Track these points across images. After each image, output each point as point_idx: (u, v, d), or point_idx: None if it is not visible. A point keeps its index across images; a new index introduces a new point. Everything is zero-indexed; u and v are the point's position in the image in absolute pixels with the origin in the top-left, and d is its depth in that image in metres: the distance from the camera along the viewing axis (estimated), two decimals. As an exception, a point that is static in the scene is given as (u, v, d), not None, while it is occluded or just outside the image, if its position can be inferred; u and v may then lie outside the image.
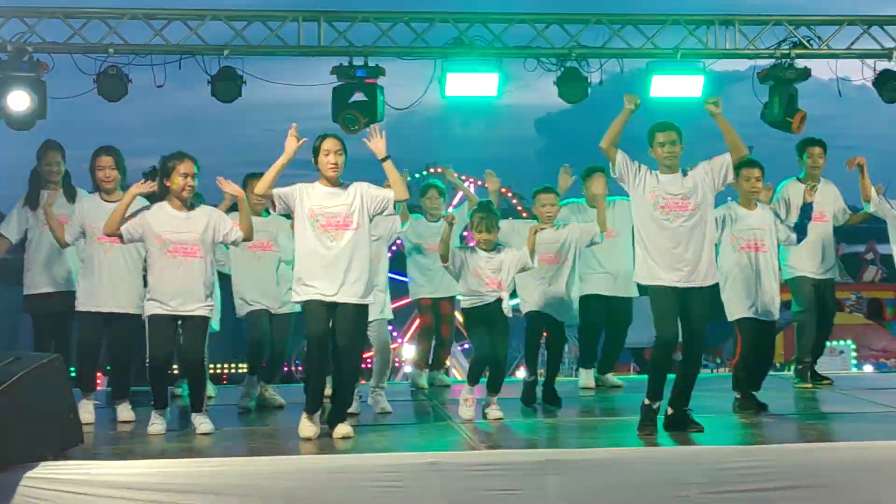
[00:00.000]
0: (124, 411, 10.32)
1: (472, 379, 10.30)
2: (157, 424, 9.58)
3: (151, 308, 9.49)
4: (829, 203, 11.86)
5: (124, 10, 14.89)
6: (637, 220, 9.62)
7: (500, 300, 10.11)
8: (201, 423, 9.61)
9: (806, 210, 10.70)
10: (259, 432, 9.98)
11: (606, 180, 11.19)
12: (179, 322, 9.55)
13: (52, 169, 10.89)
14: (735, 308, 10.49)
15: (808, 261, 11.76)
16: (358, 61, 15.00)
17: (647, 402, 9.38)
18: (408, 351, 26.20)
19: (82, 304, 10.19)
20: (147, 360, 9.69)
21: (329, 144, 9.33)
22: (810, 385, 11.86)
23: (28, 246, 10.86)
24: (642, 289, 10.11)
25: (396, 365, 25.25)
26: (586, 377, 11.98)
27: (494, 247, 10.27)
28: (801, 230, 10.65)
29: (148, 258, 9.69)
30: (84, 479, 8.06)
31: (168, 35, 14.84)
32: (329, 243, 9.18)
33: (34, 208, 10.86)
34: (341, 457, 8.60)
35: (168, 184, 9.54)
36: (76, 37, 14.64)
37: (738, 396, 10.47)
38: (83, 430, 8.74)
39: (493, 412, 10.09)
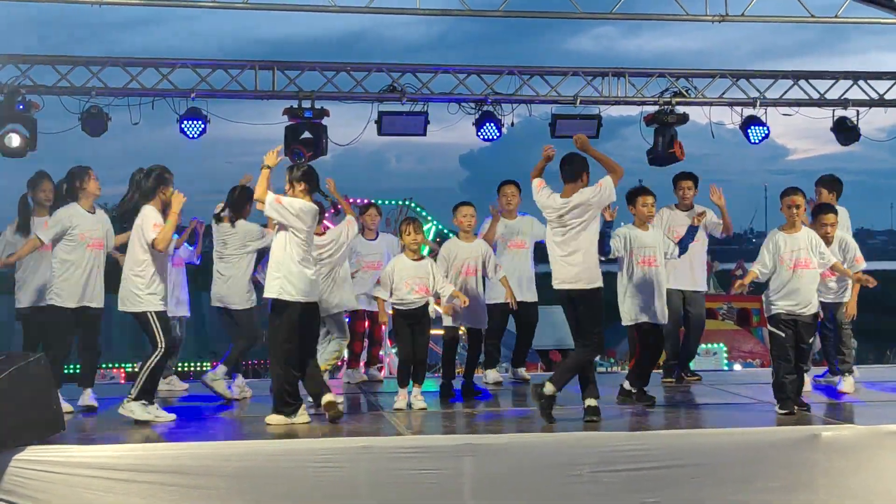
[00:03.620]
0: (90, 398, 10.08)
1: (402, 381, 10.14)
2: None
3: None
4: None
5: (105, 58, 14.87)
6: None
7: (426, 304, 10.00)
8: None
9: (691, 231, 10.80)
10: (217, 420, 9.88)
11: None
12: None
13: (48, 195, 10.56)
14: (633, 314, 10.42)
15: (679, 277, 11.71)
16: (306, 104, 15.03)
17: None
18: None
19: (66, 300, 9.75)
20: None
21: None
22: (672, 380, 11.84)
23: (18, 266, 10.56)
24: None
25: (339, 364, 25.04)
26: (493, 375, 11.85)
27: (421, 254, 10.12)
28: (684, 246, 10.72)
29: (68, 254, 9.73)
30: (64, 460, 7.99)
31: (143, 80, 14.81)
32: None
33: (26, 234, 10.45)
34: (284, 441, 8.54)
35: (85, 187, 9.73)
36: (63, 81, 14.58)
37: (635, 391, 10.44)
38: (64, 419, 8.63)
39: (418, 402, 10.01)
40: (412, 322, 10.02)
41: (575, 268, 9.42)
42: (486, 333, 11.27)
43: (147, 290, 9.22)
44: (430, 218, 18.29)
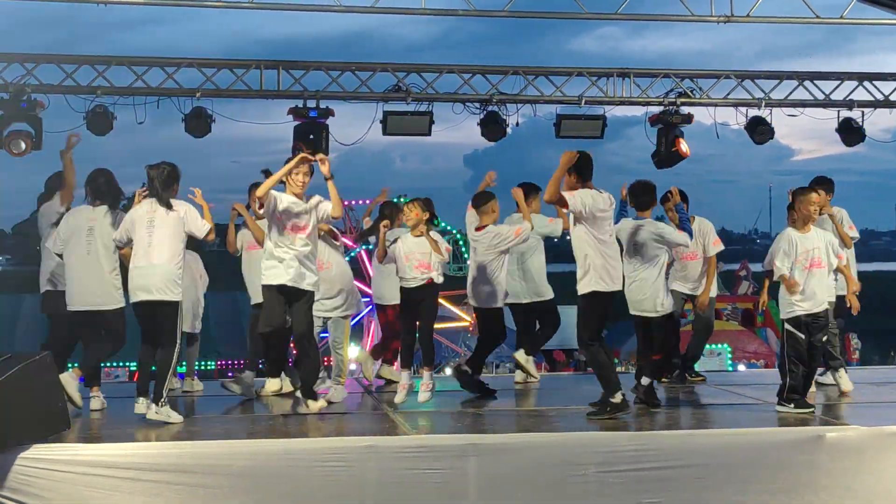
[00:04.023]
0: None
1: (405, 363, 10.09)
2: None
3: None
4: (698, 242, 11.65)
5: (110, 57, 14.92)
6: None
7: (430, 282, 9.91)
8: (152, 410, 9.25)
9: (681, 210, 10.72)
10: (222, 419, 9.89)
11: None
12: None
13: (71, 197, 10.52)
14: (672, 303, 10.51)
15: (689, 281, 11.75)
16: (311, 104, 15.07)
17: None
18: (352, 351, 25.96)
19: (120, 301, 9.78)
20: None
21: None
22: (665, 380, 11.82)
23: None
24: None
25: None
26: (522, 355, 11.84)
27: (427, 229, 10.03)
28: (686, 228, 10.64)
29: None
30: (69, 459, 7.98)
31: (148, 79, 14.86)
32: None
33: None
34: (289, 440, 8.54)
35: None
36: (68, 80, 14.62)
37: (644, 386, 10.45)
38: (70, 416, 8.65)
39: (423, 394, 9.94)
40: (416, 303, 9.97)
41: (619, 267, 9.70)
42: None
43: (181, 281, 9.33)
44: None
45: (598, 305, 9.53)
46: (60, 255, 9.83)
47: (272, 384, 10.66)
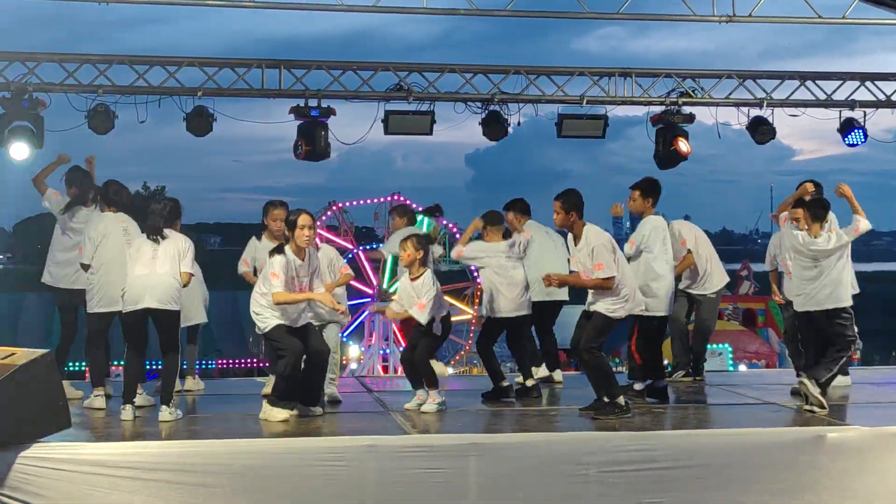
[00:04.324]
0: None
1: (415, 384, 10.05)
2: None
3: None
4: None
5: (112, 56, 14.89)
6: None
7: (432, 320, 9.88)
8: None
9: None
10: (223, 418, 9.88)
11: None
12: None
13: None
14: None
15: (691, 279, 11.77)
16: (312, 103, 15.04)
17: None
18: (353, 350, 26.00)
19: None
20: None
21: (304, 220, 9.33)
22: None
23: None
24: None
25: (344, 362, 25.03)
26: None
27: (423, 270, 9.98)
28: None
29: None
30: (70, 458, 8.00)
31: (149, 78, 14.82)
32: None
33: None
34: (290, 440, 8.55)
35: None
36: (70, 78, 14.60)
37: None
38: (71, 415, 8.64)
39: (427, 406, 9.88)
40: (420, 332, 9.99)
41: None
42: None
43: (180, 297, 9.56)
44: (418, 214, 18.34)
45: (617, 325, 9.66)
46: (85, 267, 10.07)
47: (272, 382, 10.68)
